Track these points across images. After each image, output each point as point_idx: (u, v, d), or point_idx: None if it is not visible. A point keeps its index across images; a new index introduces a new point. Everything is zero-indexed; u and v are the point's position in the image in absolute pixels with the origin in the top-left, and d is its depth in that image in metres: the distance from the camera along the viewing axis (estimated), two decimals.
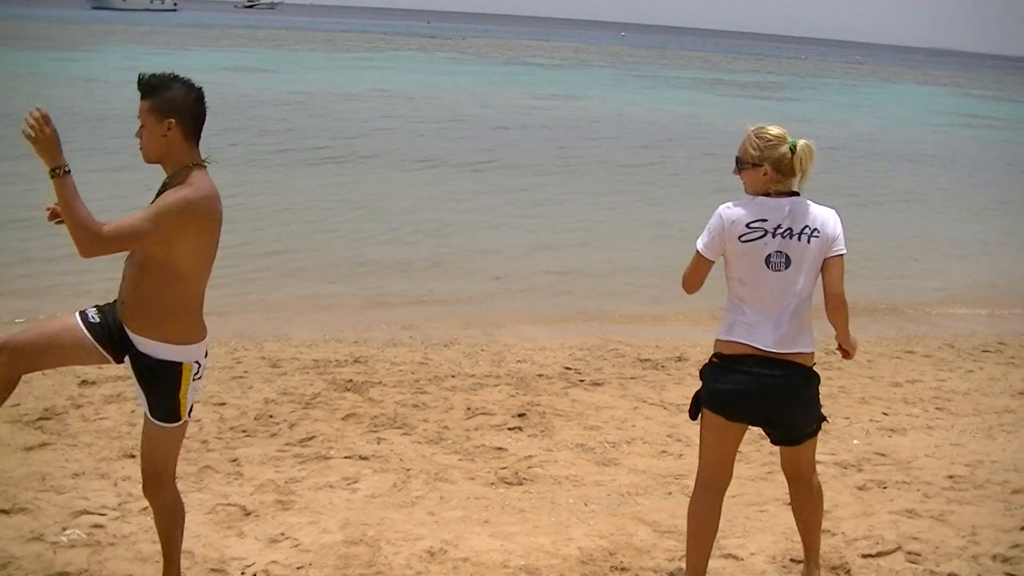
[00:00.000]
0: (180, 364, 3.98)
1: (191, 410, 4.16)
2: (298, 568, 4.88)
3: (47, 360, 4.20)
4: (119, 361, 4.06)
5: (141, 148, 3.93)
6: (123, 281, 4.02)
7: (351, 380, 7.95)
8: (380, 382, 8.00)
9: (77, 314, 4.09)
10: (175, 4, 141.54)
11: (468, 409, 7.48)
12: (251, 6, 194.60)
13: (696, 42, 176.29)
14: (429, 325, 10.15)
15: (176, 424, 4.07)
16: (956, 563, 5.17)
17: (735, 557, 5.20)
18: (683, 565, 5.03)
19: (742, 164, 4.37)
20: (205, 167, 3.98)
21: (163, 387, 4.00)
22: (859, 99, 53.94)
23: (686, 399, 7.91)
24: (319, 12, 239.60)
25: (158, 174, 4.01)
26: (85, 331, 4.03)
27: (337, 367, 8.37)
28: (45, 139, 3.65)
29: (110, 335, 4.02)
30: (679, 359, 9.08)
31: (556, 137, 27.05)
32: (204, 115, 4.00)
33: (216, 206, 3.94)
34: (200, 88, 4.00)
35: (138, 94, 3.92)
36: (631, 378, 8.47)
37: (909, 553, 5.28)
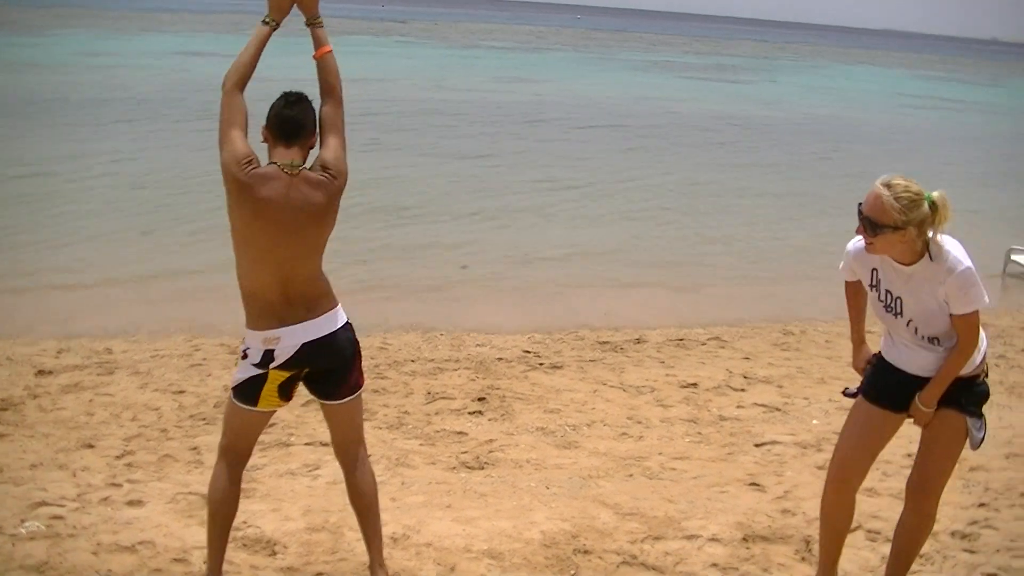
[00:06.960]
0: None
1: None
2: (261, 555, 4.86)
3: None
4: None
5: None
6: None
7: None
8: None
9: None
10: None
11: (428, 394, 7.48)
12: None
13: (653, 24, 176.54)
14: (387, 310, 10.09)
15: None
16: None
17: (696, 537, 5.24)
18: (645, 547, 5.09)
19: (880, 228, 3.94)
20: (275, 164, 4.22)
21: None
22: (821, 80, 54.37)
23: (645, 381, 8.03)
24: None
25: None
26: None
27: None
28: None
29: None
30: (638, 341, 9.10)
31: (508, 120, 27.00)
32: (287, 118, 4.21)
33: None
34: (284, 95, 4.25)
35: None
36: (590, 361, 8.49)
37: (869, 531, 5.36)
